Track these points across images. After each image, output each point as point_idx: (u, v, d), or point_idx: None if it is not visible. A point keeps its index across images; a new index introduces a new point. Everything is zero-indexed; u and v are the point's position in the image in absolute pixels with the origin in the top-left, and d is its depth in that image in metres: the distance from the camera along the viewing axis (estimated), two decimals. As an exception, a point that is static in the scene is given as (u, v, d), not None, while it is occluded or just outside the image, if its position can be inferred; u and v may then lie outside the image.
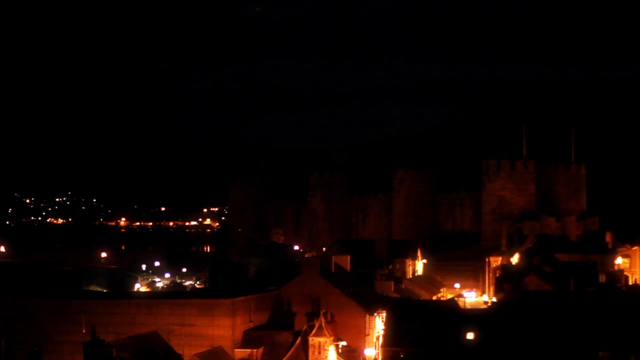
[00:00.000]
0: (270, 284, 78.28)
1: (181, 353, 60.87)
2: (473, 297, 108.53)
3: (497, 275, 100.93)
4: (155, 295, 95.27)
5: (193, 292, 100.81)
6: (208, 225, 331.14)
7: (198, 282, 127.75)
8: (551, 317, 60.91)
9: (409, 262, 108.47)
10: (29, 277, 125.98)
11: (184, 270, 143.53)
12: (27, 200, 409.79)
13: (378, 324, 70.93)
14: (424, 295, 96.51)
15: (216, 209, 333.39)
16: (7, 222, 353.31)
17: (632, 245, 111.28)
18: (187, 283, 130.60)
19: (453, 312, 66.40)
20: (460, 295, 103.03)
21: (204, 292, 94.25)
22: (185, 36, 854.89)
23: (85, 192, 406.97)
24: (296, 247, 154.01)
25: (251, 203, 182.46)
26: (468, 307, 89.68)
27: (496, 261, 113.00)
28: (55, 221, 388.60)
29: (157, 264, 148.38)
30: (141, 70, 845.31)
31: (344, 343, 66.43)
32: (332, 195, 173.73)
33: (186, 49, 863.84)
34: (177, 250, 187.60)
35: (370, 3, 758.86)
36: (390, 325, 62.81)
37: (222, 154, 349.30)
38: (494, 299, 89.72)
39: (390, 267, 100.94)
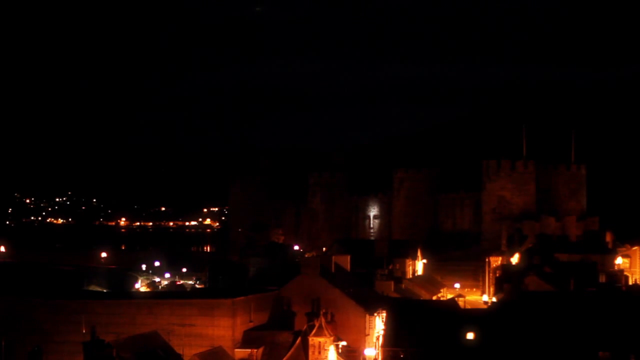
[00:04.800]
0: (270, 284, 78.23)
1: (181, 353, 60.86)
2: None
3: (497, 275, 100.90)
4: (155, 295, 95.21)
5: (193, 292, 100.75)
6: (208, 225, 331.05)
7: (198, 282, 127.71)
8: (551, 317, 60.88)
9: (409, 262, 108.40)
10: (29, 277, 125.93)
11: (184, 270, 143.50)
12: (27, 200, 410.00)
13: (378, 324, 70.90)
14: (424, 295, 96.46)
15: (216, 209, 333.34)
16: (7, 222, 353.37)
17: (632, 245, 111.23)
18: (188, 283, 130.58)
19: (453, 312, 66.38)
20: (460, 295, 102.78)
21: (204, 292, 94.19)
22: (186, 36, 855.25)
23: (85, 192, 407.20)
24: (296, 247, 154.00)
25: (251, 203, 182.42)
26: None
27: (496, 261, 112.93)
28: (55, 221, 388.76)
29: (157, 264, 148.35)
30: (140, 70, 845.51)
31: (344, 343, 66.40)
32: (332, 195, 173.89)
33: (186, 48, 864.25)
34: (177, 250, 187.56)
35: (371, 3, 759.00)
36: (390, 325, 62.78)
37: (222, 154, 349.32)
38: (494, 299, 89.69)
39: (390, 267, 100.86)
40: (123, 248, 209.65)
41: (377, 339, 69.25)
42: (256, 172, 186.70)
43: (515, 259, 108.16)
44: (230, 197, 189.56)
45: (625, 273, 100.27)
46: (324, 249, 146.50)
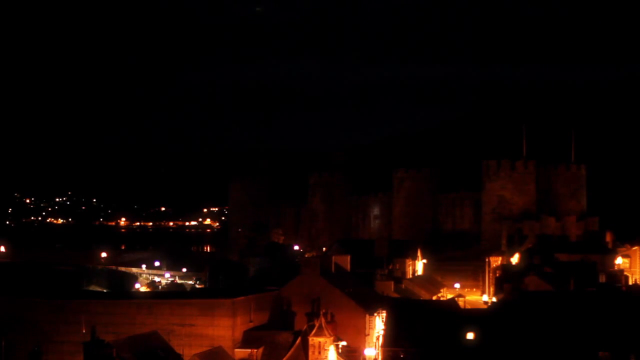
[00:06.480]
0: (270, 284, 78.19)
1: (181, 353, 60.79)
2: None
3: (497, 275, 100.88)
4: (155, 295, 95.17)
5: (193, 292, 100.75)
6: (208, 225, 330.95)
7: (198, 282, 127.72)
8: (551, 317, 60.86)
9: (409, 262, 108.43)
10: (29, 277, 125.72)
11: (184, 270, 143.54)
12: (27, 200, 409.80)
13: (378, 324, 70.87)
14: (424, 295, 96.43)
15: (216, 209, 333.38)
16: (7, 222, 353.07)
17: (632, 245, 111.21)
18: (188, 283, 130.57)
19: (453, 312, 66.35)
20: (460, 295, 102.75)
21: (204, 292, 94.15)
22: (186, 36, 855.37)
23: (85, 192, 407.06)
24: (296, 247, 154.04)
25: (251, 203, 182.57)
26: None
27: (496, 261, 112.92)
28: (55, 221, 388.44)
29: (157, 264, 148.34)
30: (140, 70, 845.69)
31: (344, 343, 66.34)
32: (332, 195, 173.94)
33: (186, 48, 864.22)
34: (177, 250, 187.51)
35: (370, 3, 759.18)
36: (390, 325, 62.76)
37: (222, 154, 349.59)
38: (494, 299, 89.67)
39: (390, 267, 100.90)
40: (123, 248, 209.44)
41: (377, 339, 69.22)
42: (256, 173, 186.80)
43: (515, 259, 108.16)
44: (230, 197, 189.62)
45: (625, 273, 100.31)
46: (324, 249, 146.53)
